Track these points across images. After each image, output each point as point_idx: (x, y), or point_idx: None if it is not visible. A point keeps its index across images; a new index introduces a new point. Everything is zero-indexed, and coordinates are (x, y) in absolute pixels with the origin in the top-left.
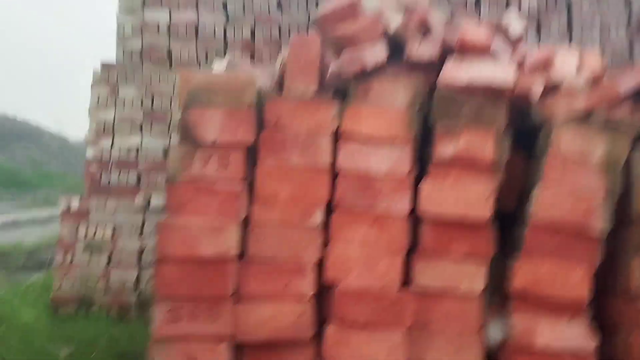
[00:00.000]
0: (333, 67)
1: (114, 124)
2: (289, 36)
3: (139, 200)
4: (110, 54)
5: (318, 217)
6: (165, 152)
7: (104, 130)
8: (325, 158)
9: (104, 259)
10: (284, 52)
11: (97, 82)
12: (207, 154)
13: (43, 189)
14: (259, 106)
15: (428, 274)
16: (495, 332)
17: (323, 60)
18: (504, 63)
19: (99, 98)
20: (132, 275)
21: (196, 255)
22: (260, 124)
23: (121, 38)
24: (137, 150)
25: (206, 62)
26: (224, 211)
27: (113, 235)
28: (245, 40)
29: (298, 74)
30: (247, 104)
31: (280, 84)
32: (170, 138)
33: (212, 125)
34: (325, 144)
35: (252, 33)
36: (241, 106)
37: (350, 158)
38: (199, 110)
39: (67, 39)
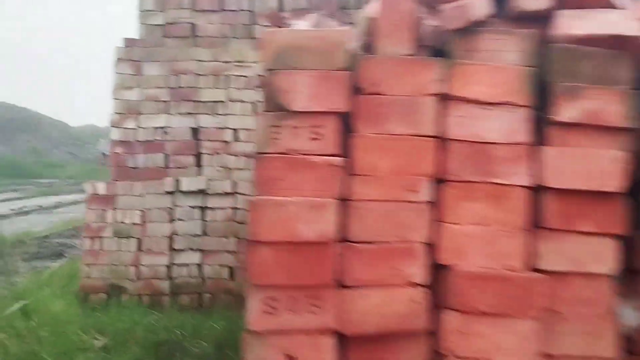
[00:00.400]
0: (430, 23)
1: (139, 104)
2: (317, 7)
3: (167, 183)
4: (105, 39)
5: (425, 191)
6: (194, 132)
7: (128, 111)
8: (429, 125)
9: (133, 245)
10: (370, 8)
11: (120, 60)
12: (297, 122)
13: (45, 177)
14: (352, 68)
15: (553, 254)
16: (630, 317)
17: (416, 17)
18: (628, 13)
19: (122, 77)
20: (163, 260)
21: (294, 237)
22: (354, 89)
23: (143, 13)
24: (164, 130)
25: (232, 37)
26: (322, 188)
27: (142, 220)
28: (272, 12)
29: (390, 32)
30: (340, 65)
31: (367, 45)
32: (196, 117)
33: (302, 90)
34: (429, 109)
35: (280, 4)
36: (333, 68)
37: (461, 124)
38: (286, 74)
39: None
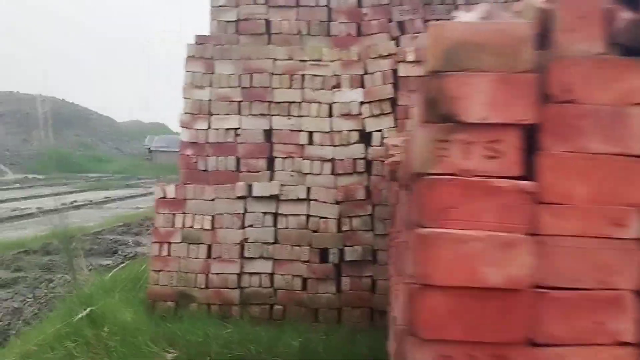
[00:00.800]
0: (625, 16)
1: (210, 103)
2: (398, 3)
3: (239, 187)
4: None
5: (634, 226)
6: (267, 134)
7: (199, 111)
8: (639, 142)
9: (203, 251)
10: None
11: (191, 57)
12: (471, 137)
13: (93, 171)
14: (538, 71)
15: None
16: None
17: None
18: None
19: (193, 75)
20: (234, 269)
21: (477, 282)
22: (541, 96)
23: (215, 9)
24: (235, 132)
25: (308, 34)
26: (508, 219)
27: (212, 225)
28: (351, 8)
29: (576, 26)
30: (525, 67)
31: (542, 41)
32: (270, 119)
33: (477, 97)
34: (639, 121)
35: (359, 0)
36: (516, 70)
37: None
38: (458, 77)
39: (111, 18)
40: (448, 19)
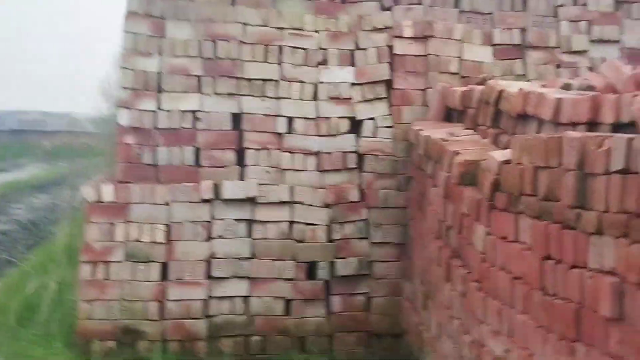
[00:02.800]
0: None
1: (159, 77)
2: None
3: (204, 187)
4: None
5: None
6: (235, 119)
7: (144, 86)
8: None
9: (155, 272)
10: None
11: (132, 14)
12: None
13: None
14: None
15: None
16: None
17: None
18: None
19: (135, 38)
20: (198, 293)
21: None
22: None
23: None
24: (195, 115)
25: None
26: None
27: (167, 237)
28: None
29: None
30: None
31: None
32: (239, 100)
33: None
34: None
35: None
36: None
37: None
38: None
39: None
40: None
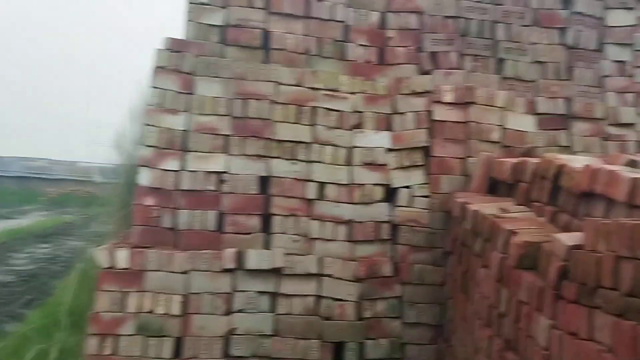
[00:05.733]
0: None
1: (184, 136)
2: (430, 29)
3: (227, 255)
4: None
5: None
6: (263, 183)
7: (168, 144)
8: None
9: (167, 348)
10: None
11: (160, 69)
12: None
13: None
14: None
15: None
16: None
17: None
18: None
19: (163, 94)
20: None
21: None
22: None
23: (193, 7)
24: (220, 178)
25: (317, 55)
26: None
27: (183, 309)
28: (373, 28)
29: None
30: None
31: None
32: (268, 162)
33: None
34: None
35: (382, 19)
36: None
37: None
38: None
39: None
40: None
